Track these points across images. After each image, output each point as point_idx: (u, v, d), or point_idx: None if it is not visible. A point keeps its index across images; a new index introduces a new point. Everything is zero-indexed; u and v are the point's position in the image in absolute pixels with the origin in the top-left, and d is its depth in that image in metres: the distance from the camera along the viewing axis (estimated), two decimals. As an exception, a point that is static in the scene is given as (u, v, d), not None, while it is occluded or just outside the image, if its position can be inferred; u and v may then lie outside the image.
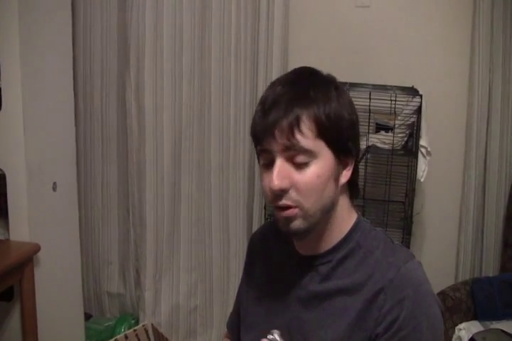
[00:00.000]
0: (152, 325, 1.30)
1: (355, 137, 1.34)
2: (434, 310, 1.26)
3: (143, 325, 1.39)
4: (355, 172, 1.35)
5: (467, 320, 2.74)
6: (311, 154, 1.24)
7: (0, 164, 2.78)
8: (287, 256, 1.43)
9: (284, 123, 1.22)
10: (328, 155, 1.25)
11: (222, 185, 3.53)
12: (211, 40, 3.37)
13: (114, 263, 3.80)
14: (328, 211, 1.29)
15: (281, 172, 1.23)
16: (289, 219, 1.26)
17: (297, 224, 1.25)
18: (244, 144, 3.47)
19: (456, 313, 2.77)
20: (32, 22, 2.78)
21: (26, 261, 2.73)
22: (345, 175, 1.30)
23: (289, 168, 1.24)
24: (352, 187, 1.37)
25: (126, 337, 1.30)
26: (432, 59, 3.27)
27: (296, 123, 1.22)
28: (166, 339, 1.23)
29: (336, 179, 1.28)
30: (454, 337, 2.61)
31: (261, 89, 3.28)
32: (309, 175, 1.23)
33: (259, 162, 1.33)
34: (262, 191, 3.27)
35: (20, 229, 2.80)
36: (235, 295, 1.64)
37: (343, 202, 1.35)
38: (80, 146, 3.57)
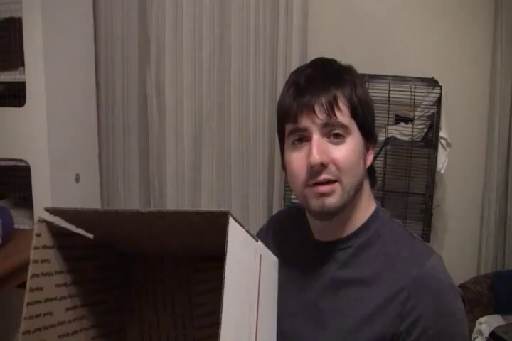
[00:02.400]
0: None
1: (374, 124, 1.37)
2: (458, 305, 1.25)
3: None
4: (373, 160, 1.37)
5: (488, 314, 2.70)
6: (346, 130, 1.25)
7: (25, 156, 2.86)
8: (304, 243, 1.42)
9: (323, 100, 1.24)
10: (358, 136, 1.27)
11: (242, 176, 3.49)
12: (230, 33, 3.34)
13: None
14: (357, 190, 1.30)
15: (320, 147, 1.24)
16: (326, 195, 1.25)
17: (333, 200, 1.25)
18: (264, 135, 3.42)
19: (477, 307, 2.75)
20: (55, 18, 2.84)
21: None
22: (369, 159, 1.32)
23: (326, 143, 1.25)
24: (371, 175, 1.38)
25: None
26: (453, 49, 3.21)
27: (335, 101, 1.24)
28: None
29: (364, 159, 1.30)
30: (475, 330, 2.58)
31: (280, 81, 3.24)
32: (346, 150, 1.25)
33: (281, 144, 1.34)
34: (281, 182, 3.31)
35: None
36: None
37: (366, 187, 1.35)
38: (101, 139, 3.58)
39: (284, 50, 3.29)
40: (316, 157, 1.21)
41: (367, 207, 1.35)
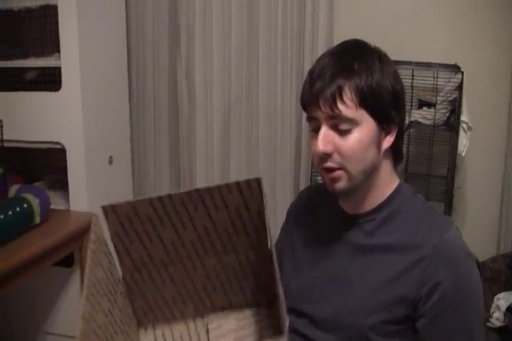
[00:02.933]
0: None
1: (399, 106, 1.40)
2: (474, 271, 1.35)
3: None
4: (399, 139, 1.43)
5: (506, 290, 2.79)
6: (352, 122, 1.32)
7: (60, 139, 2.93)
8: (333, 215, 1.52)
9: (327, 93, 1.32)
10: (369, 123, 1.34)
11: (269, 159, 3.56)
12: (259, 19, 3.39)
13: None
14: (370, 173, 1.39)
15: (325, 138, 1.34)
16: (334, 180, 1.37)
17: (341, 184, 1.37)
18: (291, 120, 3.47)
19: (495, 284, 2.83)
20: (89, 5, 2.91)
21: (86, 229, 2.81)
22: (388, 141, 1.39)
23: (333, 134, 1.34)
24: (395, 153, 1.46)
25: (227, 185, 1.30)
26: (475, 36, 3.23)
27: (339, 94, 1.31)
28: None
29: (378, 144, 1.37)
30: (493, 305, 2.66)
31: (307, 65, 3.28)
32: (351, 141, 1.33)
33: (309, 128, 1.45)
34: (308, 166, 3.38)
35: (80, 200, 2.97)
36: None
37: (386, 167, 1.44)
38: (133, 123, 3.66)
39: (310, 36, 3.33)
40: (321, 147, 1.33)
41: (387, 185, 1.45)
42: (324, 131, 1.35)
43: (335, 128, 1.34)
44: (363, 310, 1.37)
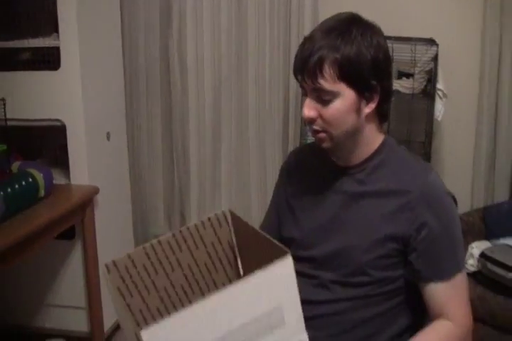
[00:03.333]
0: (230, 211, 1.50)
1: (381, 75, 1.51)
2: (453, 207, 1.56)
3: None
4: (383, 104, 1.55)
5: (478, 240, 2.98)
6: (333, 94, 1.47)
7: (61, 117, 2.98)
8: (326, 168, 1.67)
9: (309, 67, 1.46)
10: (349, 94, 1.48)
11: (259, 129, 3.70)
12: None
13: (160, 208, 4.01)
14: (352, 134, 1.54)
15: (308, 106, 1.51)
16: (320, 141, 1.56)
17: (326, 144, 1.55)
18: (278, 91, 3.60)
19: (470, 235, 3.01)
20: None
21: (87, 201, 2.98)
22: (370, 107, 1.52)
23: (315, 103, 1.50)
24: (380, 116, 1.59)
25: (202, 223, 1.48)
26: (449, 12, 3.37)
27: (319, 69, 1.45)
28: (252, 227, 1.44)
29: (358, 111, 1.50)
30: (468, 254, 2.85)
31: (294, 41, 3.43)
32: (331, 110, 1.48)
33: None
34: (296, 132, 3.55)
35: (81, 174, 3.04)
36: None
37: (371, 128, 1.58)
38: (127, 100, 3.71)
39: (297, 12, 3.46)
40: (305, 113, 1.51)
41: (373, 142, 1.60)
42: (308, 100, 1.52)
43: (318, 98, 1.49)
44: (360, 247, 1.54)
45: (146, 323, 1.03)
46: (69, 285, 3.21)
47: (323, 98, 1.49)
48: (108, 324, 3.26)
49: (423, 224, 1.50)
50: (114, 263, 1.40)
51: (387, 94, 1.56)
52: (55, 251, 3.15)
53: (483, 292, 2.69)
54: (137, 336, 1.03)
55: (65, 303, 3.23)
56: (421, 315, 1.61)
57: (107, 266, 1.40)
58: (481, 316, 2.62)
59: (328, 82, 1.46)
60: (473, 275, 2.79)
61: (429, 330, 1.51)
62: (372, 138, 1.60)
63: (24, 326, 3.33)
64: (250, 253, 1.44)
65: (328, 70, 1.45)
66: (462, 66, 3.45)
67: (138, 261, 1.41)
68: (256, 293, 1.15)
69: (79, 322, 3.22)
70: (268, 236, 1.28)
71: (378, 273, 1.54)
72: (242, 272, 1.49)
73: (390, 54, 2.92)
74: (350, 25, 1.50)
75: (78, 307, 3.20)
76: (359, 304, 1.58)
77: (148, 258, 1.42)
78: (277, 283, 1.18)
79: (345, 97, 1.48)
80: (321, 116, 1.51)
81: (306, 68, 1.48)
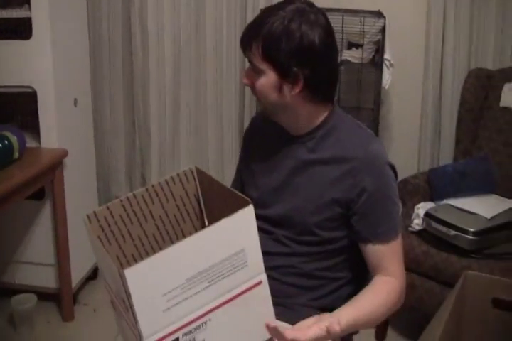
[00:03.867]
0: (196, 167, 1.65)
1: (305, 62, 1.58)
2: (391, 176, 1.67)
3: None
4: (315, 87, 1.63)
5: (424, 201, 3.07)
6: (259, 70, 1.60)
7: (32, 83, 3.04)
8: (281, 136, 1.78)
9: (244, 42, 1.62)
10: (271, 75, 1.60)
11: (216, 96, 3.82)
12: None
13: (121, 170, 4.13)
14: (282, 109, 1.67)
15: (246, 72, 1.67)
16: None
17: (263, 109, 1.76)
18: (236, 59, 3.74)
19: (416, 196, 3.11)
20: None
21: (57, 163, 3.08)
22: (294, 90, 1.61)
23: (252, 73, 1.64)
24: (317, 96, 1.66)
25: (172, 178, 1.63)
26: None
27: (249, 46, 1.59)
28: (217, 181, 1.62)
29: (281, 92, 1.62)
30: (414, 214, 2.95)
31: (250, 13, 3.56)
32: (257, 83, 1.63)
33: None
34: (251, 98, 3.66)
35: (50, 138, 3.11)
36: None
37: (306, 108, 1.67)
38: (92, 68, 3.74)
39: None
40: (243, 79, 1.69)
41: (314, 116, 1.70)
42: (248, 68, 1.67)
43: (253, 69, 1.63)
44: (308, 210, 1.69)
45: (123, 267, 1.19)
46: (38, 243, 3.29)
47: (255, 70, 1.62)
48: (76, 280, 3.35)
49: (363, 189, 1.62)
50: (95, 213, 1.53)
51: (314, 81, 1.62)
52: (25, 210, 3.24)
53: (428, 249, 2.79)
54: (120, 275, 1.18)
55: (35, 260, 3.31)
56: (362, 270, 1.76)
57: (88, 216, 1.52)
58: (425, 271, 2.78)
59: (256, 57, 1.59)
60: (418, 234, 2.90)
61: (375, 284, 1.66)
62: (312, 114, 1.70)
63: None
64: (215, 205, 1.59)
65: (255, 49, 1.59)
66: (408, 37, 3.57)
67: (115, 212, 1.56)
68: (221, 237, 1.30)
69: (48, 279, 3.29)
70: (231, 189, 1.45)
71: (325, 233, 1.70)
72: (207, 222, 1.65)
73: (341, 25, 3.14)
74: (291, 10, 1.58)
75: (47, 264, 3.27)
76: (309, 259, 1.74)
77: (125, 209, 1.57)
78: (240, 229, 1.33)
79: (268, 76, 1.61)
80: (252, 85, 1.66)
81: (242, 43, 1.64)
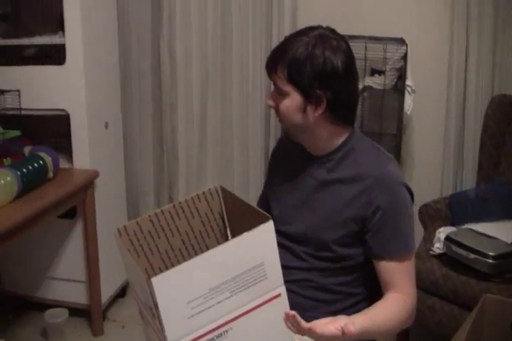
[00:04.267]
0: (220, 186, 1.73)
1: (328, 85, 1.67)
2: (406, 195, 1.73)
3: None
4: (336, 109, 1.72)
5: (445, 226, 3.10)
6: (284, 92, 1.69)
7: (66, 107, 3.17)
8: (303, 156, 1.87)
9: (269, 65, 1.72)
10: (296, 97, 1.69)
11: (242, 119, 3.89)
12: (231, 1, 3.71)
13: (150, 192, 4.20)
14: (304, 130, 1.76)
15: (271, 95, 1.76)
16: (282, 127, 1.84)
17: (285, 130, 1.84)
18: (261, 85, 3.80)
19: (437, 221, 3.16)
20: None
21: (89, 184, 3.19)
22: (317, 111, 1.70)
23: (277, 95, 1.73)
24: (339, 118, 1.75)
25: (198, 196, 1.71)
26: (418, 13, 3.54)
27: (274, 69, 1.69)
28: (240, 199, 1.71)
29: (304, 113, 1.71)
30: (435, 238, 2.99)
31: (275, 39, 3.61)
32: (282, 105, 1.72)
33: None
34: (276, 123, 3.69)
35: (82, 159, 3.23)
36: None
37: (327, 130, 1.76)
38: (122, 92, 3.84)
39: (278, 12, 3.64)
40: (267, 100, 1.78)
41: (335, 138, 1.78)
42: (272, 91, 1.76)
43: (278, 91, 1.72)
44: (326, 227, 1.77)
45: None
46: (70, 261, 3.38)
47: (279, 92, 1.72)
48: (105, 297, 3.44)
49: (377, 207, 1.69)
50: (125, 228, 1.62)
51: (336, 103, 1.71)
52: (58, 228, 3.34)
53: (448, 272, 2.81)
54: (148, 283, 1.26)
55: (66, 277, 3.41)
56: (378, 288, 1.81)
57: (118, 230, 1.61)
58: (445, 294, 2.81)
59: (281, 80, 1.69)
60: (439, 257, 2.93)
61: (387, 298, 1.73)
62: (331, 134, 1.78)
63: (28, 297, 3.51)
64: (238, 221, 1.67)
65: (279, 73, 1.69)
66: (430, 63, 3.61)
67: (144, 227, 1.65)
68: (242, 251, 1.38)
69: (78, 295, 3.38)
70: (253, 206, 1.54)
71: (342, 249, 1.77)
72: (230, 237, 1.73)
73: (364, 52, 3.22)
74: (314, 37, 1.69)
75: (78, 280, 3.37)
76: (327, 274, 1.81)
77: (153, 224, 1.66)
78: (260, 243, 1.41)
79: (292, 98, 1.70)
80: (277, 107, 1.75)
81: (267, 66, 1.74)
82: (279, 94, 1.73)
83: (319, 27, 1.75)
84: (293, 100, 1.70)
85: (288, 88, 1.69)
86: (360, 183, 1.73)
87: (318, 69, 1.66)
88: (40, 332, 3.37)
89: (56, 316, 3.20)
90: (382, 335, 1.70)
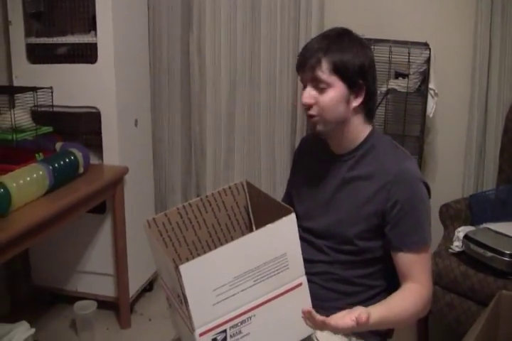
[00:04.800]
0: (246, 181, 1.83)
1: (366, 76, 1.80)
2: (424, 190, 1.80)
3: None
4: (369, 101, 1.83)
5: (464, 225, 3.13)
6: (327, 84, 1.76)
7: (97, 104, 3.25)
8: (324, 155, 1.95)
9: (311, 62, 1.76)
10: (340, 86, 1.77)
11: (269, 120, 3.92)
12: (261, 3, 3.75)
13: (177, 191, 4.25)
14: (341, 122, 1.81)
15: (307, 93, 1.80)
16: (314, 125, 1.83)
17: (319, 127, 1.82)
18: (288, 85, 3.82)
19: (457, 220, 3.20)
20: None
21: (119, 180, 3.26)
22: (357, 101, 1.80)
23: (314, 91, 1.79)
24: (367, 111, 1.87)
25: (224, 190, 1.80)
26: (442, 18, 3.56)
27: (318, 63, 1.75)
28: (264, 193, 1.70)
29: (347, 102, 1.79)
30: (455, 237, 3.03)
31: (302, 42, 3.61)
32: (326, 97, 1.77)
33: None
34: (303, 122, 3.78)
35: (112, 156, 3.31)
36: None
37: (358, 120, 1.85)
38: (152, 91, 3.95)
39: (305, 17, 3.68)
40: (304, 99, 1.81)
41: (360, 132, 1.87)
42: (308, 88, 1.80)
43: (316, 87, 1.78)
44: (348, 222, 1.83)
45: (179, 267, 1.37)
46: (99, 255, 3.46)
47: (320, 86, 1.77)
48: (133, 290, 3.51)
49: (396, 202, 1.76)
50: (154, 219, 1.70)
51: (371, 92, 1.84)
52: (88, 223, 3.41)
53: (466, 270, 2.86)
54: (176, 271, 1.34)
55: (96, 270, 3.49)
56: (397, 281, 1.86)
57: (148, 222, 1.69)
58: (464, 291, 2.85)
59: (324, 73, 1.76)
60: (458, 255, 2.98)
61: (404, 289, 1.79)
62: (359, 128, 1.87)
63: (58, 289, 3.60)
64: (262, 215, 1.75)
65: (324, 64, 1.76)
66: (453, 67, 3.64)
67: (172, 219, 1.73)
68: (266, 242, 1.46)
69: (107, 288, 3.46)
70: (276, 199, 1.62)
71: (363, 243, 1.83)
72: (255, 230, 1.77)
73: (388, 56, 3.29)
74: (342, 36, 1.82)
75: (107, 274, 3.44)
76: (348, 266, 1.87)
77: (181, 217, 1.74)
78: (283, 234, 1.48)
79: (337, 88, 1.77)
80: (317, 102, 1.79)
81: (307, 62, 1.78)
82: (318, 89, 1.79)
83: (339, 27, 1.89)
84: (337, 90, 1.78)
85: (332, 79, 1.77)
86: (380, 179, 1.80)
87: (360, 60, 1.78)
88: (69, 323, 3.46)
89: (85, 308, 3.27)
90: (400, 325, 1.77)
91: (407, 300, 1.74)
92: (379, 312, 1.61)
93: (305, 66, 1.81)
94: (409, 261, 1.78)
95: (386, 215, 1.79)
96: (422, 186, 1.82)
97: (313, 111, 1.82)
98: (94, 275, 3.51)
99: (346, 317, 1.50)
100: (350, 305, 1.66)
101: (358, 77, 1.79)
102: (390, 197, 1.78)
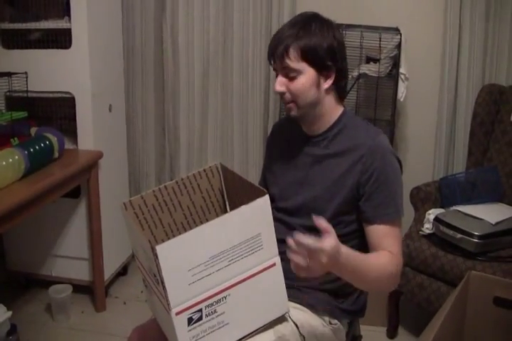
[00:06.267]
0: (220, 163, 1.84)
1: (336, 58, 1.82)
2: (396, 165, 1.83)
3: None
4: (340, 81, 1.87)
5: (434, 208, 3.19)
6: (297, 71, 1.78)
7: (71, 89, 3.23)
8: (298, 137, 1.98)
9: (279, 51, 1.78)
10: (310, 72, 1.79)
11: (242, 104, 3.93)
12: None
13: (152, 174, 4.25)
14: (315, 104, 1.85)
15: (279, 82, 1.83)
16: (289, 110, 1.87)
17: (293, 113, 1.86)
18: (260, 70, 3.83)
19: (427, 203, 3.24)
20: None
21: (93, 164, 3.26)
22: (327, 83, 1.83)
23: (285, 79, 1.82)
24: (338, 91, 1.91)
25: (199, 173, 1.81)
26: (413, 4, 3.61)
27: (286, 52, 1.77)
28: (238, 175, 1.72)
29: (318, 85, 1.82)
30: (425, 219, 3.09)
31: (275, 28, 3.62)
32: (297, 84, 1.80)
33: None
34: (275, 107, 3.81)
35: (87, 141, 3.30)
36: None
37: (330, 100, 1.89)
38: (126, 76, 3.95)
39: (277, 3, 3.69)
40: (276, 88, 1.84)
41: (332, 112, 1.91)
42: (279, 77, 1.83)
43: (286, 75, 1.81)
44: (324, 197, 1.87)
45: (155, 248, 1.38)
46: (74, 239, 3.46)
47: (290, 75, 1.80)
48: (108, 274, 3.53)
49: (370, 174, 1.79)
50: (130, 202, 1.71)
51: (342, 73, 1.87)
52: (62, 208, 3.42)
53: (437, 251, 2.91)
54: (152, 251, 1.35)
55: (70, 254, 3.49)
56: None
57: (124, 204, 1.70)
58: (434, 272, 2.91)
59: (293, 61, 1.78)
60: (428, 237, 3.04)
61: (378, 252, 1.79)
62: (333, 109, 1.91)
63: (33, 274, 3.61)
64: (236, 197, 1.77)
65: (292, 52, 1.77)
66: (423, 52, 3.68)
67: (148, 201, 1.74)
68: (240, 223, 1.48)
69: (82, 272, 3.47)
70: (250, 182, 1.64)
71: (338, 217, 1.85)
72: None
73: (360, 41, 3.30)
74: (310, 21, 1.83)
75: (82, 258, 3.45)
76: None
77: (157, 199, 1.75)
78: (257, 215, 1.50)
79: (307, 74, 1.80)
80: (289, 90, 1.82)
81: (276, 52, 1.80)
82: (289, 77, 1.82)
83: (308, 12, 1.90)
84: (308, 76, 1.80)
85: (301, 66, 1.79)
86: (354, 153, 1.84)
87: (328, 42, 1.80)
88: (44, 307, 3.47)
89: (60, 292, 3.29)
90: (367, 281, 1.73)
91: (379, 259, 1.74)
92: (350, 252, 1.59)
93: (274, 56, 1.83)
94: (382, 233, 1.80)
95: (361, 188, 1.82)
96: (395, 159, 1.85)
97: (286, 98, 1.86)
98: (69, 259, 3.52)
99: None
100: (323, 284, 1.67)
101: (327, 59, 1.81)
102: (366, 169, 1.81)
